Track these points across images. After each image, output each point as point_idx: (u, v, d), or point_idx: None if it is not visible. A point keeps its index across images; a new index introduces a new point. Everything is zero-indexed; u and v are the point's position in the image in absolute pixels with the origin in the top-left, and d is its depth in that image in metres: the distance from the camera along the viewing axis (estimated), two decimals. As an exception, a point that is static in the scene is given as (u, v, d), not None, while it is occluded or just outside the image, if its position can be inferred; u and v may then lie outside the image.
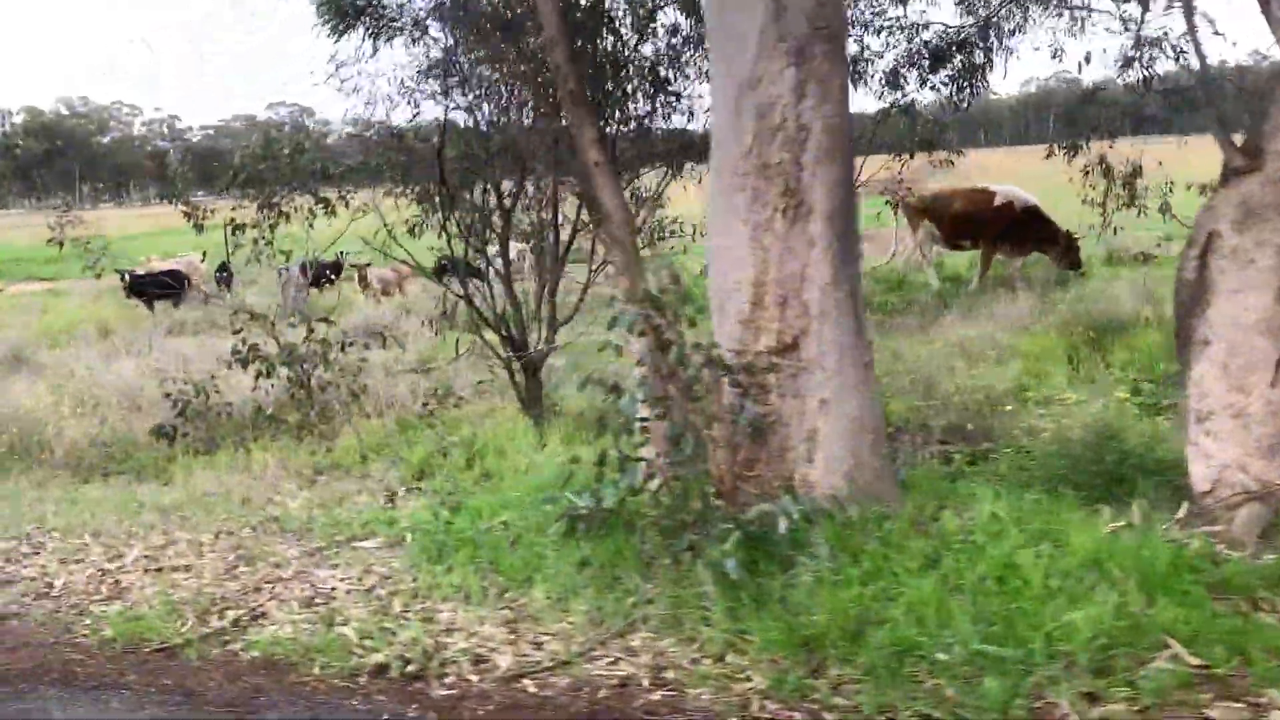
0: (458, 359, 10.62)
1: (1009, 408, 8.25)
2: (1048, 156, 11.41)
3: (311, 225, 10.40)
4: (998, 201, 12.36)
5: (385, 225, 9.71)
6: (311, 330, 9.41)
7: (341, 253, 20.11)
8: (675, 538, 4.42)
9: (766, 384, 4.73)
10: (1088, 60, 9.28)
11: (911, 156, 11.83)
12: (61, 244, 9.53)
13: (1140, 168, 10.50)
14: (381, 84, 9.26)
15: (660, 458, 4.54)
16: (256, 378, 9.26)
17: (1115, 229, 10.68)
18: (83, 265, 9.56)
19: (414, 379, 10.36)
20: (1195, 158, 11.74)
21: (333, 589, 4.92)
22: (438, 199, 9.04)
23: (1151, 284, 11.90)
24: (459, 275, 9.50)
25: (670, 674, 3.81)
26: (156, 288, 17.50)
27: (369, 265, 18.11)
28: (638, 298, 4.69)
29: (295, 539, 5.87)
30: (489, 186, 9.13)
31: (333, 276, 19.83)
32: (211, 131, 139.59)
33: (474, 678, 3.97)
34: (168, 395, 9.02)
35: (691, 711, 3.58)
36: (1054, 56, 9.02)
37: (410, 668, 4.08)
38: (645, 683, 3.76)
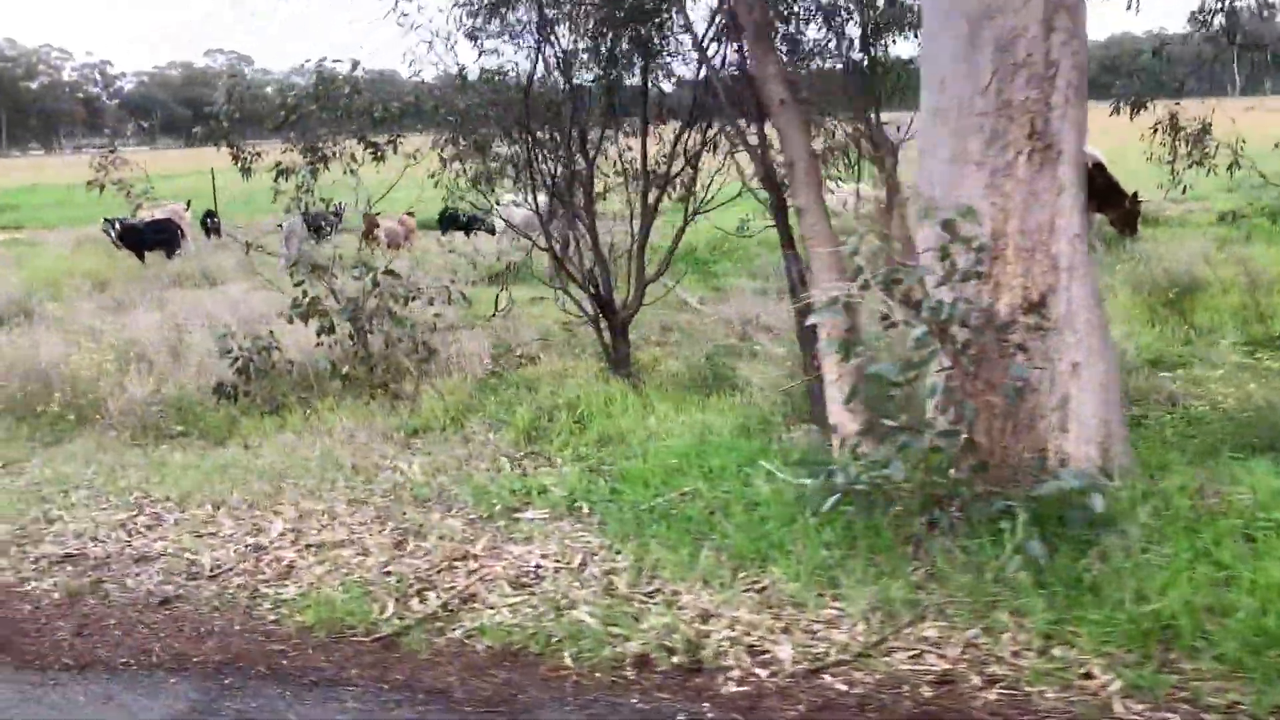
0: (497, 314, 10.16)
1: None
2: (1112, 114, 11.03)
3: (354, 173, 9.68)
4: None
5: (459, 174, 9.10)
6: (376, 283, 8.83)
7: (339, 203, 19.30)
8: (939, 514, 4.02)
9: (1025, 346, 4.32)
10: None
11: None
12: (103, 187, 8.71)
13: (1209, 125, 10.19)
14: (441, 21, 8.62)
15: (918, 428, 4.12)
16: (319, 333, 8.66)
17: (1185, 187, 10.38)
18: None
19: (473, 335, 9.76)
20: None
21: (538, 567, 4.43)
22: (523, 146, 8.42)
23: (1218, 244, 11.78)
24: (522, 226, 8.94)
25: (995, 669, 3.42)
26: (152, 236, 16.47)
27: (379, 215, 17.30)
28: (883, 251, 4.25)
29: (443, 508, 5.36)
30: (574, 133, 8.53)
31: (327, 228, 18.96)
32: (145, 79, 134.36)
33: (760, 672, 3.55)
34: (228, 352, 8.36)
35: (1043, 713, 3.20)
36: (1128, 7, 8.59)
37: (676, 659, 3.64)
38: (975, 680, 3.37)
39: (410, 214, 17.35)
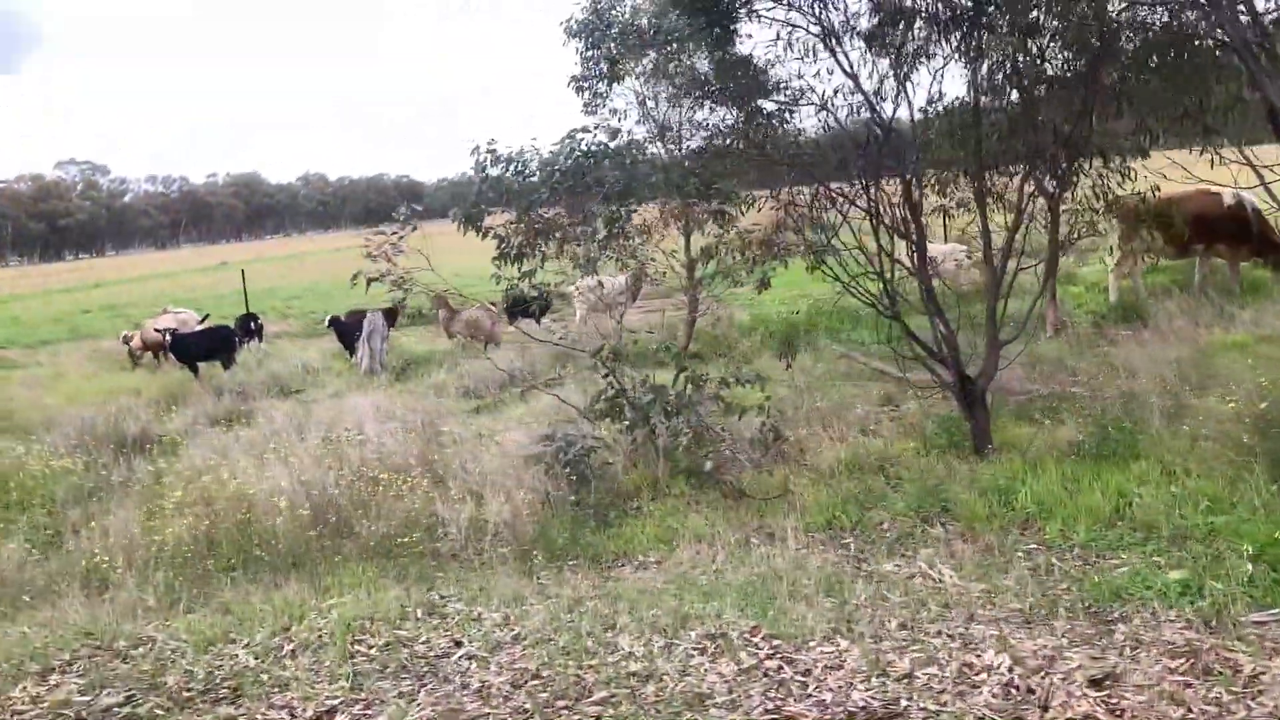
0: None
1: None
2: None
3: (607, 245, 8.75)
4: (1228, 202, 12.10)
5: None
6: (684, 368, 7.92)
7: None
8: None
9: None
10: None
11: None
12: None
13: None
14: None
15: None
16: (631, 429, 7.66)
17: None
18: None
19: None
20: None
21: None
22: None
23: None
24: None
25: None
26: (206, 345, 14.78)
27: (469, 306, 16.06)
28: None
29: (1096, 631, 4.48)
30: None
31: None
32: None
33: None
34: (558, 457, 7.25)
35: None
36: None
37: None
38: None
39: (493, 304, 16.20)
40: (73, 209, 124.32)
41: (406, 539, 6.65)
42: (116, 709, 4.43)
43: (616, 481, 7.59)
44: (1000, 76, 7.23)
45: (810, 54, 7.98)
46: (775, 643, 4.50)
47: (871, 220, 7.55)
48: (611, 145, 8.34)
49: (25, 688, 4.73)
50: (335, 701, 4.37)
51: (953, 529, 6.22)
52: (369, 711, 4.29)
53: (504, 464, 8.09)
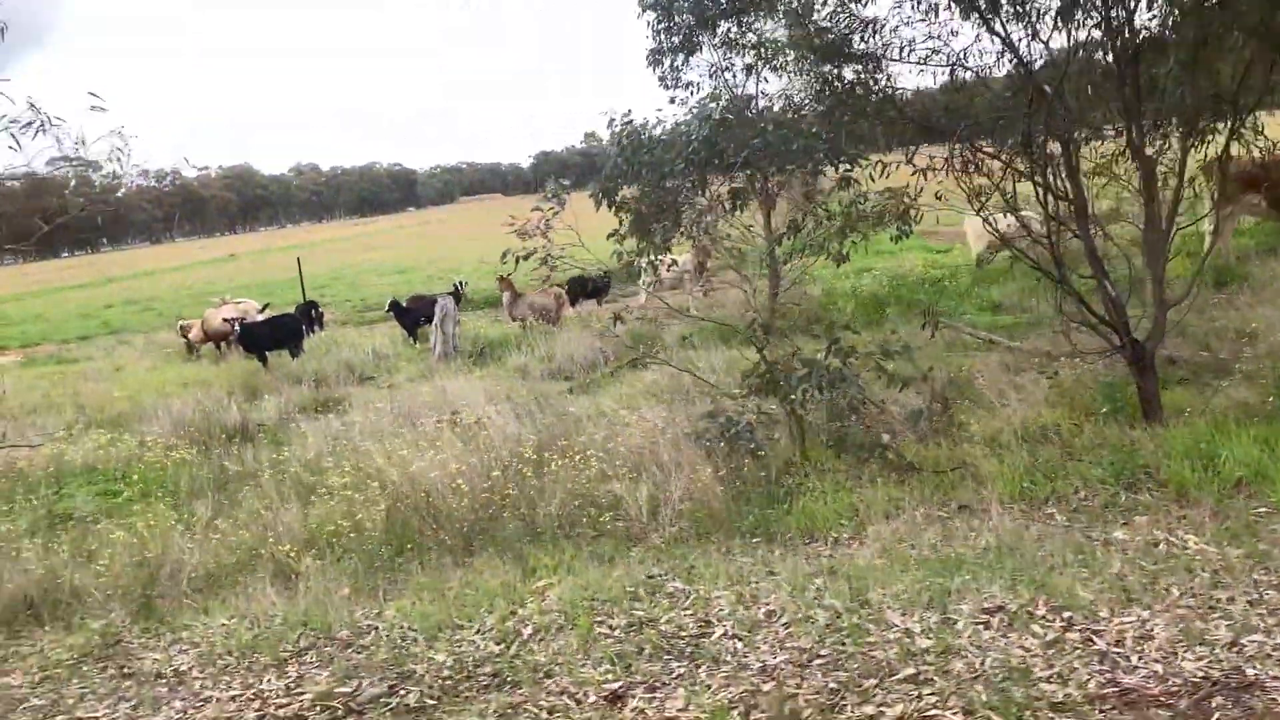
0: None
1: None
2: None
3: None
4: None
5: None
6: (837, 340, 7.72)
7: (460, 282, 17.75)
8: None
9: None
10: None
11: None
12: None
13: None
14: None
15: None
16: (786, 404, 7.47)
17: None
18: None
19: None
20: None
21: None
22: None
23: None
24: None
25: None
26: (273, 334, 14.52)
27: (522, 293, 15.86)
28: None
29: None
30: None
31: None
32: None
33: None
34: (722, 433, 7.07)
35: None
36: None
37: None
38: None
39: (561, 285, 15.97)
40: (68, 205, 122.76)
41: (586, 518, 6.46)
42: (384, 700, 4.24)
43: (775, 458, 7.40)
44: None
45: (946, 11, 7.79)
46: (1065, 614, 4.32)
47: (1033, 182, 7.34)
48: (747, 113, 8.09)
49: (269, 680, 4.54)
50: (614, 685, 4.19)
51: (1160, 495, 6.04)
52: (656, 694, 4.10)
53: (644, 441, 7.91)
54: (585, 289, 16.90)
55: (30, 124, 5.66)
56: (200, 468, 8.91)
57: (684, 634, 4.65)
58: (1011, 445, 7.19)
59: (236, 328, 14.32)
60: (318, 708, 4.21)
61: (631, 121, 7.94)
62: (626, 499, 6.59)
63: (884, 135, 8.65)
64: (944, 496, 6.62)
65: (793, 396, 7.36)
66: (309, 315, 16.26)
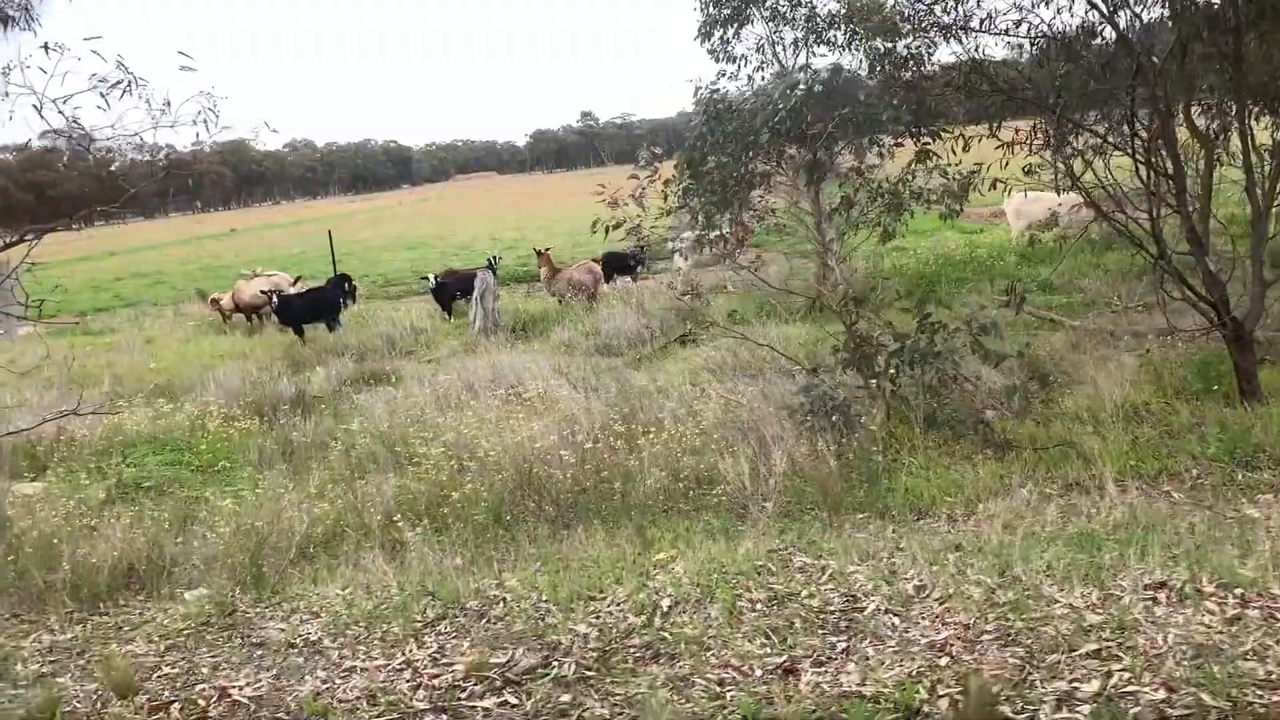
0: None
1: None
2: None
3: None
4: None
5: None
6: (928, 315, 7.61)
7: (494, 256, 17.56)
8: None
9: None
10: None
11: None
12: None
13: None
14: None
15: None
16: (886, 376, 7.36)
17: None
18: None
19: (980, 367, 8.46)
20: None
21: None
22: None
23: None
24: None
25: None
26: (310, 307, 14.33)
27: (562, 267, 15.68)
28: None
29: None
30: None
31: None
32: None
33: None
34: (818, 408, 6.95)
35: None
36: None
37: None
38: None
39: (596, 260, 15.80)
40: (61, 179, 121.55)
41: (690, 491, 6.35)
42: (541, 671, 4.12)
43: (866, 435, 7.29)
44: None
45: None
46: (1236, 591, 4.21)
47: (1134, 156, 7.21)
48: (836, 84, 7.93)
49: (410, 650, 4.42)
50: (778, 660, 4.07)
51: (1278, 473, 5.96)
52: (824, 668, 3.99)
53: (729, 416, 7.81)
54: (620, 264, 16.72)
55: (118, 83, 5.47)
56: (264, 438, 8.76)
57: (831, 609, 4.54)
58: (1108, 423, 7.09)
59: (275, 300, 14.11)
60: (472, 679, 4.08)
61: (718, 89, 7.77)
62: (728, 473, 6.47)
63: (969, 107, 8.51)
64: (1047, 474, 6.52)
65: (889, 371, 7.25)
66: (342, 288, 16.05)
